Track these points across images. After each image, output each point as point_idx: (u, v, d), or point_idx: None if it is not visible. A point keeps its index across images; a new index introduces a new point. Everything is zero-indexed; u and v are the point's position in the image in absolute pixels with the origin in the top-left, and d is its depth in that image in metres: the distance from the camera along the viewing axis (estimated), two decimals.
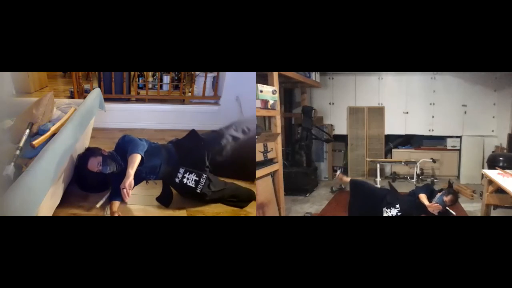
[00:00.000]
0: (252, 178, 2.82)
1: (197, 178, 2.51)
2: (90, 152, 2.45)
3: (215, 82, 4.33)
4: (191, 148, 2.62)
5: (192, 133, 2.70)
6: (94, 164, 2.36)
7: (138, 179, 2.53)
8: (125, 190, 2.27)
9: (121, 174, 2.38)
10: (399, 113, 5.75)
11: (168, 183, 2.59)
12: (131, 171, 2.31)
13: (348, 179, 3.47)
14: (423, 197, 2.84)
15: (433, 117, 5.68)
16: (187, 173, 2.51)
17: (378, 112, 5.76)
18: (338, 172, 3.62)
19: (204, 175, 2.52)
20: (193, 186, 2.51)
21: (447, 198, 2.79)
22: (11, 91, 3.89)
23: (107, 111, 3.27)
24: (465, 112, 5.58)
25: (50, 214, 2.18)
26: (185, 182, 2.51)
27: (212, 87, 4.37)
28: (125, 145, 2.47)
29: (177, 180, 2.52)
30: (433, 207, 2.75)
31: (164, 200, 2.56)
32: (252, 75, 3.19)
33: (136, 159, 2.36)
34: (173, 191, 2.61)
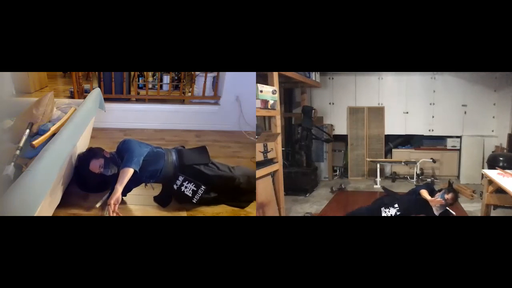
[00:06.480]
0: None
1: (195, 188, 2.51)
2: (92, 153, 2.43)
3: (215, 82, 4.34)
4: (197, 162, 2.59)
5: (203, 149, 2.69)
6: (96, 166, 2.36)
7: (137, 182, 2.53)
8: (110, 207, 2.22)
9: None
10: (399, 113, 5.74)
11: (166, 186, 2.59)
12: (119, 187, 2.27)
13: None
14: (424, 193, 2.84)
15: (433, 117, 5.67)
16: (186, 182, 2.50)
17: (378, 112, 5.75)
18: None
19: (203, 187, 2.51)
20: (190, 195, 2.51)
21: (448, 196, 2.81)
22: (11, 91, 3.89)
23: (107, 111, 3.28)
24: (465, 112, 5.57)
25: (50, 214, 2.18)
26: (182, 190, 2.51)
27: (212, 87, 4.37)
28: (123, 152, 2.45)
29: (175, 186, 2.51)
30: (436, 201, 2.76)
31: (162, 200, 2.57)
32: (252, 75, 3.19)
33: (127, 174, 2.32)
34: None
